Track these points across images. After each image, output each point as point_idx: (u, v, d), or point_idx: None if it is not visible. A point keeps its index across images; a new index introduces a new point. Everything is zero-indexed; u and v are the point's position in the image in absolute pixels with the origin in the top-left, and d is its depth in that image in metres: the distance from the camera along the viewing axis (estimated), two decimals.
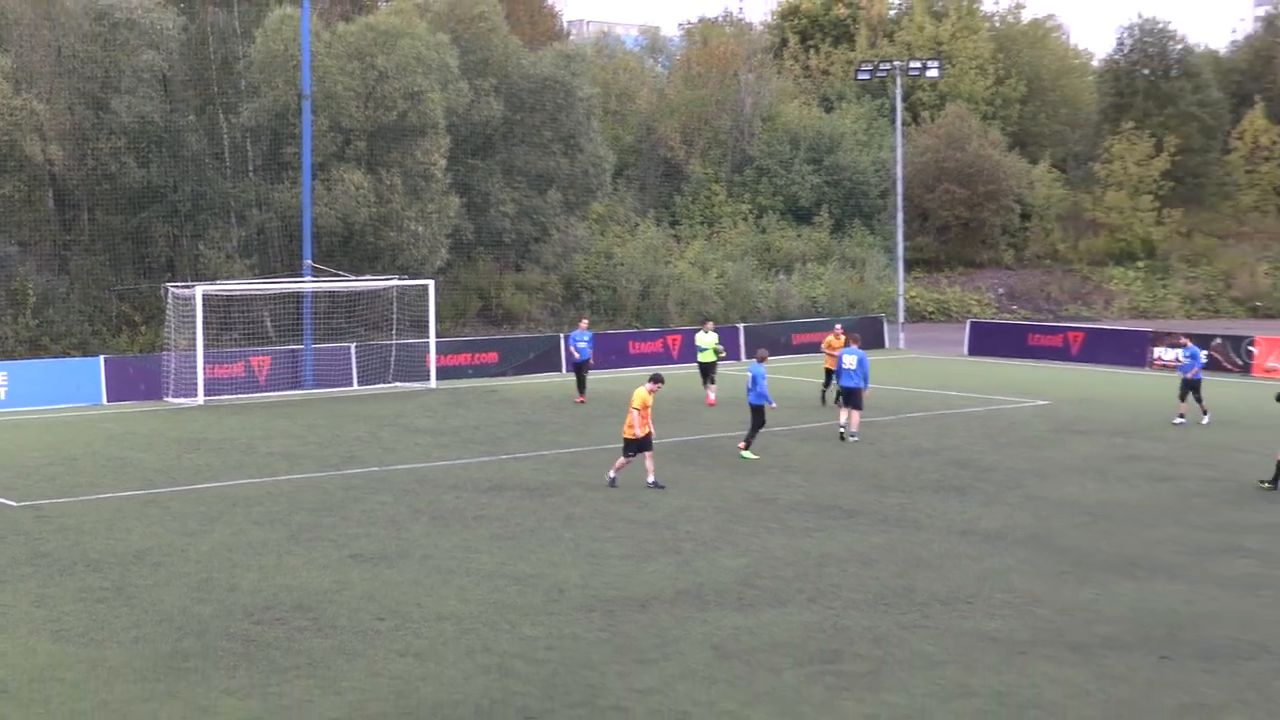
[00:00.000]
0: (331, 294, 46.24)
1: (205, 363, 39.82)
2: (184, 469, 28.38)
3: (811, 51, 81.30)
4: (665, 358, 48.79)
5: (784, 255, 65.92)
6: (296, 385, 42.08)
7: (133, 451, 30.74)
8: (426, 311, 44.29)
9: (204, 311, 40.20)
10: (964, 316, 64.83)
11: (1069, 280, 70.87)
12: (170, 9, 49.76)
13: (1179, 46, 75.29)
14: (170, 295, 41.62)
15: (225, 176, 50.84)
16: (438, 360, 43.79)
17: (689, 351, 49.17)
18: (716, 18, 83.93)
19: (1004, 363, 49.80)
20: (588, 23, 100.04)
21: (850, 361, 31.68)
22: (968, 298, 68.85)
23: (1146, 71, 74.80)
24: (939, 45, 77.08)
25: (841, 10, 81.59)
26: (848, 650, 16.09)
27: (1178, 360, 35.96)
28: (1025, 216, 72.83)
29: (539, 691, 14.68)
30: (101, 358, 40.62)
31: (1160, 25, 75.14)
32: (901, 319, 57.66)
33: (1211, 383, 42.24)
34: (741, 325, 53.27)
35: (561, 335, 48.29)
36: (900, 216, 59.14)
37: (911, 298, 65.91)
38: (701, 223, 68.78)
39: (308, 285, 43.72)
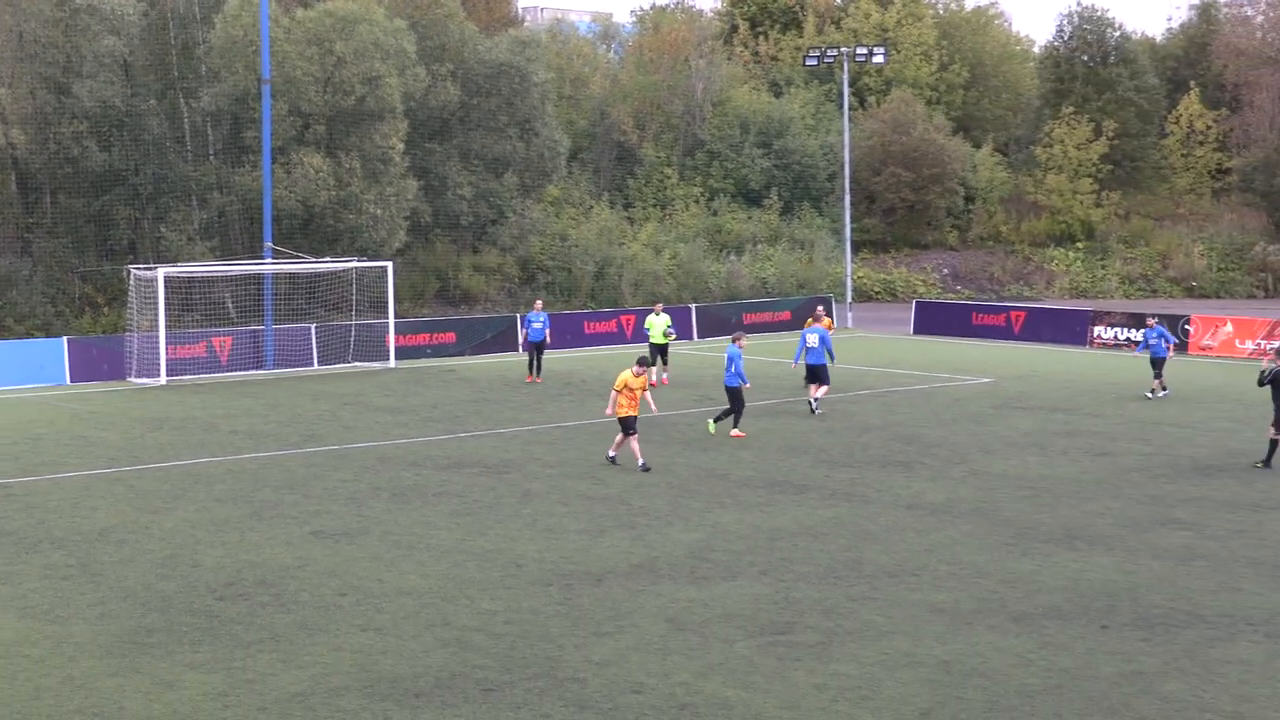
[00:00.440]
0: (292, 276, 46.37)
1: (167, 343, 39.91)
2: (147, 448, 28.51)
3: (761, 38, 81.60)
4: (619, 337, 49.22)
5: (735, 237, 66.30)
6: (258, 365, 42.23)
7: (96, 431, 30.84)
8: (385, 292, 44.49)
9: (166, 293, 40.25)
10: (910, 296, 65.43)
11: (1011, 261, 71.51)
12: None
13: (1116, 34, 75.80)
14: (132, 277, 41.68)
15: (186, 160, 50.81)
16: (397, 340, 44.01)
17: (642, 331, 49.75)
18: (668, 4, 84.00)
19: (949, 341, 50.29)
20: (542, 9, 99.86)
21: (813, 339, 32.67)
22: (913, 278, 69.41)
23: (1085, 58, 75.32)
24: (884, 32, 77.53)
25: None
26: (798, 622, 16.32)
27: (1146, 339, 36.41)
28: (969, 199, 73.43)
29: (498, 664, 14.85)
30: (65, 339, 40.63)
31: (1098, 13, 75.60)
32: (849, 299, 58.17)
33: (1149, 361, 43.06)
34: (693, 305, 53.67)
35: (518, 316, 48.59)
36: (848, 199, 59.63)
37: (859, 278, 66.48)
38: (654, 205, 69.05)
39: (268, 267, 43.83)
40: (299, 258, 45.14)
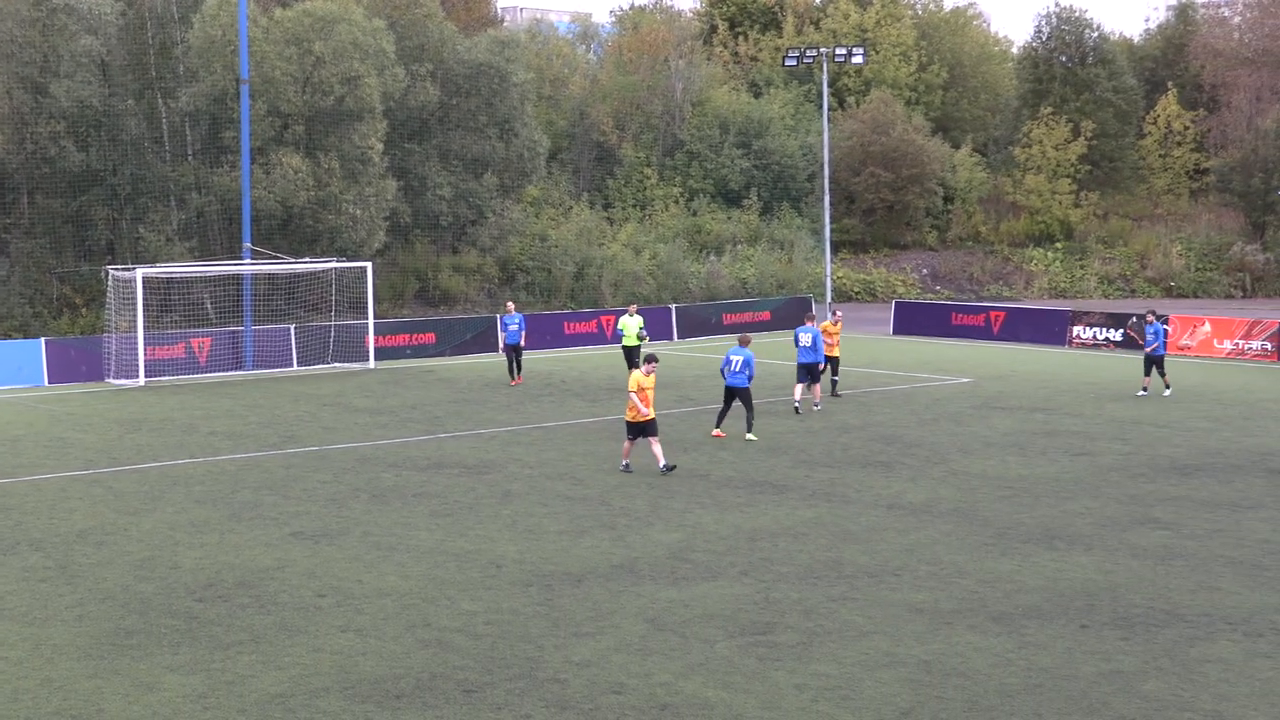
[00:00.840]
0: (271, 276, 46.33)
1: (146, 344, 39.84)
2: (126, 449, 28.45)
3: (740, 38, 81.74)
4: (599, 338, 49.24)
5: (714, 237, 66.40)
6: (237, 366, 42.17)
7: (75, 432, 30.77)
8: (365, 293, 44.47)
9: (144, 294, 40.20)
10: (889, 297, 65.62)
11: (990, 261, 71.73)
12: None
13: (1095, 34, 76.08)
14: (111, 278, 41.60)
15: (164, 160, 50.71)
16: (376, 341, 43.99)
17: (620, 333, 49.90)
18: (647, 5, 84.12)
19: (928, 341, 50.42)
20: (521, 9, 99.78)
21: (806, 339, 32.97)
22: (893, 278, 69.57)
23: (1064, 59, 75.60)
24: (864, 33, 77.75)
25: None
26: (779, 622, 16.32)
27: (1143, 336, 36.58)
28: (948, 199, 73.64)
29: (478, 665, 14.83)
30: (43, 340, 40.56)
31: (1077, 14, 75.88)
32: (829, 299, 58.28)
33: (1127, 360, 43.31)
34: (674, 306, 53.71)
35: (498, 316, 48.60)
36: (827, 199, 59.76)
37: (838, 278, 66.64)
38: (634, 205, 69.11)
39: (247, 268, 43.76)
40: (278, 258, 45.07)
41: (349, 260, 46.51)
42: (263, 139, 48.43)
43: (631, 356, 37.90)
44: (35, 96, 47.76)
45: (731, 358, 28.83)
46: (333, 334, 43.89)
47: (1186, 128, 76.84)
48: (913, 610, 16.85)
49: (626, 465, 25.69)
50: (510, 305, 40.92)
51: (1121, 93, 75.13)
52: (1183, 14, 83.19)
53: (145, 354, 39.62)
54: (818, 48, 61.74)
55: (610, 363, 42.97)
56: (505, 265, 59.27)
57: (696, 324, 52.60)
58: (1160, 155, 77.48)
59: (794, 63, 61.42)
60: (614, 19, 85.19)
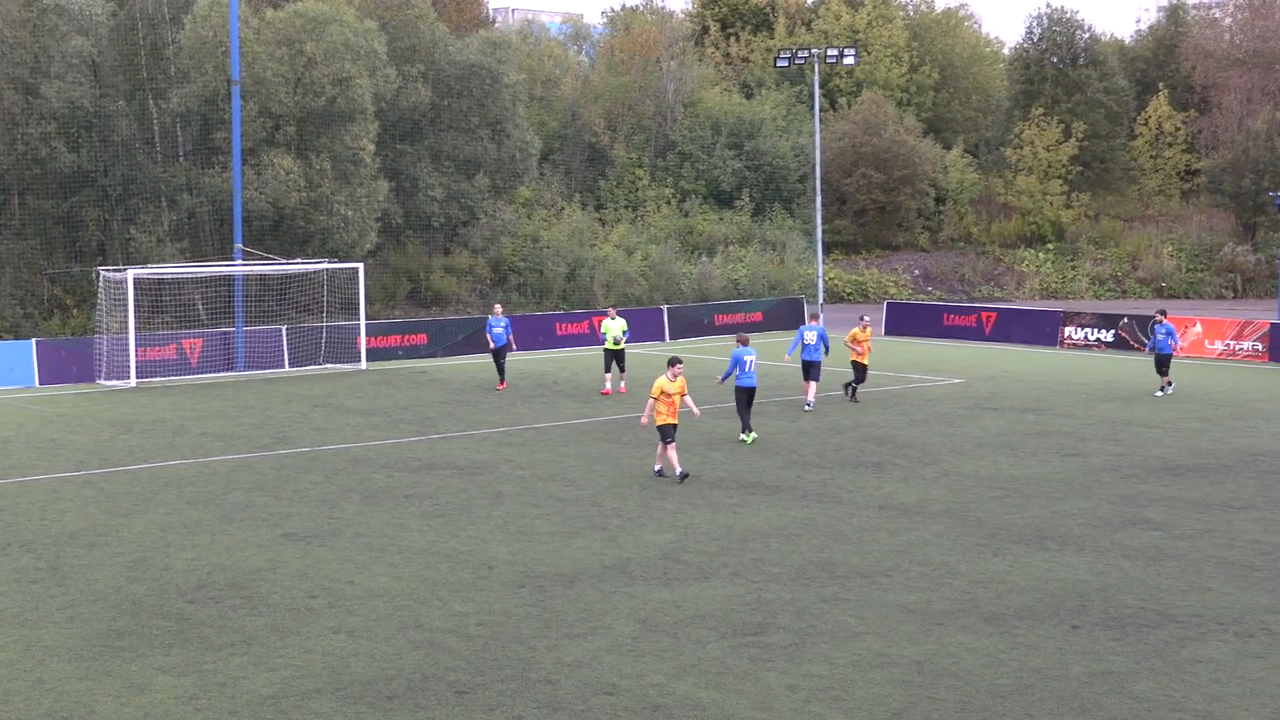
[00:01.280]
0: (262, 277, 46.31)
1: (137, 345, 39.80)
2: (117, 450, 28.43)
3: (732, 39, 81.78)
4: (591, 339, 49.16)
5: (706, 238, 66.43)
6: (228, 367, 42.13)
7: (66, 433, 30.74)
8: (356, 294, 44.43)
9: (135, 295, 40.16)
10: (881, 297, 65.69)
11: (982, 262, 71.80)
12: None
13: (1086, 35, 76.15)
14: (102, 279, 41.54)
15: (156, 161, 50.66)
16: (368, 342, 43.97)
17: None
18: (638, 6, 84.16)
19: (920, 342, 50.45)
20: (513, 10, 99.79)
21: (811, 337, 33.35)
22: (885, 279, 69.63)
23: (1055, 60, 75.66)
24: (855, 34, 77.81)
25: None
26: (771, 623, 16.36)
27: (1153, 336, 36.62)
28: (939, 200, 73.72)
29: (470, 666, 14.86)
30: (33, 341, 40.49)
31: (1068, 15, 75.94)
32: (821, 300, 58.26)
33: (1119, 361, 43.43)
34: (665, 307, 53.72)
35: (490, 318, 48.58)
36: (819, 200, 59.73)
37: (830, 279, 66.67)
38: (626, 206, 69.13)
39: (239, 269, 43.73)
40: (270, 259, 45.04)
41: (341, 261, 46.49)
42: (254, 140, 48.40)
43: (610, 360, 37.22)
44: (26, 97, 47.70)
45: (745, 358, 28.75)
46: (324, 335, 43.86)
47: (1178, 129, 76.96)
48: (905, 611, 16.88)
49: (659, 470, 25.21)
50: (497, 308, 40.35)
51: (1113, 94, 75.25)
52: (1174, 15, 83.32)
53: (136, 355, 39.58)
54: (809, 49, 61.72)
55: (600, 363, 42.93)
56: (497, 266, 59.28)
57: (689, 325, 52.62)
58: (1151, 156, 77.60)
59: (785, 64, 61.36)
60: (605, 20, 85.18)
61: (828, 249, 67.36)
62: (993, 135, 78.36)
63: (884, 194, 70.44)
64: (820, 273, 59.40)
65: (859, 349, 34.64)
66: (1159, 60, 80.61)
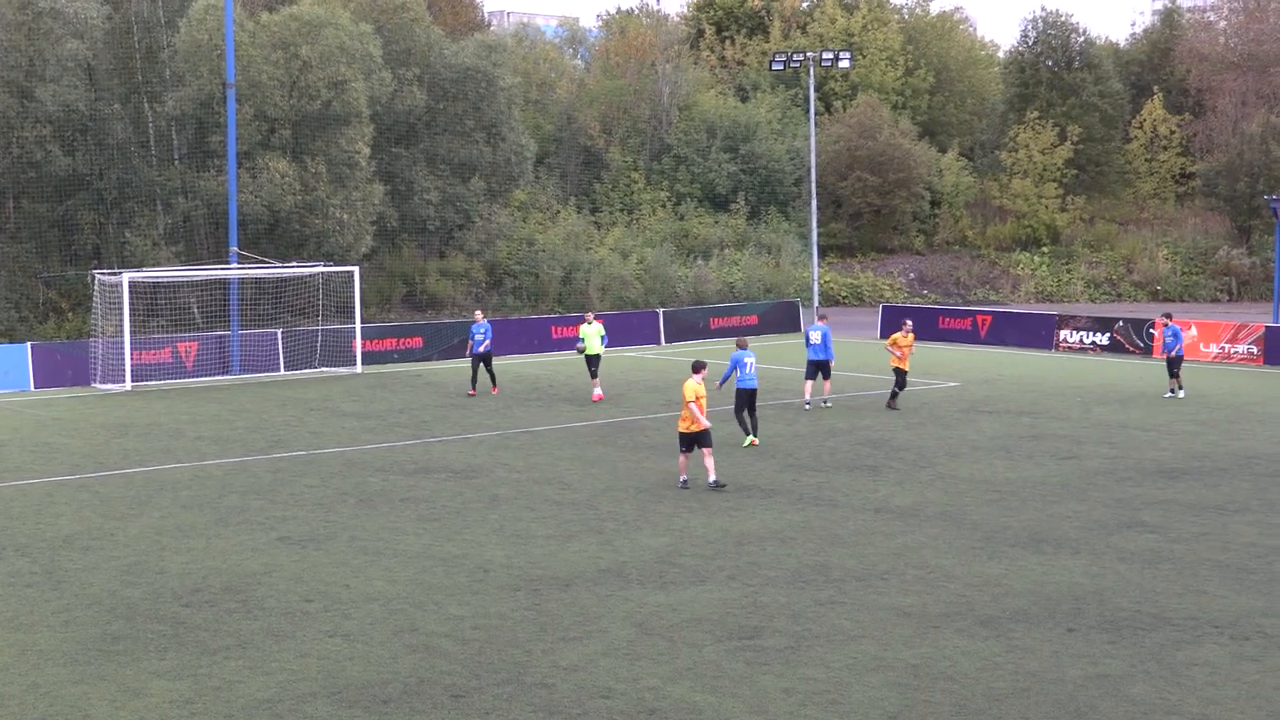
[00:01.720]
0: (258, 280, 46.27)
1: (132, 349, 39.78)
2: (112, 454, 28.41)
3: (727, 42, 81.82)
4: (603, 339, 49.15)
5: (702, 241, 66.43)
6: (224, 370, 42.13)
7: (61, 437, 30.71)
8: (352, 297, 44.45)
9: (131, 298, 40.14)
10: (876, 301, 65.70)
11: (977, 265, 71.83)
12: None
13: (1081, 39, 76.23)
14: (97, 282, 41.55)
15: (151, 165, 50.62)
16: (363, 345, 43.98)
17: (610, 336, 49.68)
18: (633, 9, 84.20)
19: (916, 345, 50.35)
20: (508, 14, 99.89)
21: (816, 337, 34.04)
22: (880, 282, 69.65)
23: (1050, 63, 75.75)
24: (850, 37, 77.86)
25: (756, 2, 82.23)
26: (767, 626, 16.36)
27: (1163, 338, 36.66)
28: (935, 204, 73.78)
29: (466, 670, 14.86)
30: (29, 344, 40.45)
31: (1062, 18, 76.00)
32: (816, 303, 58.31)
33: (1114, 364, 43.48)
34: (661, 310, 53.74)
35: (472, 324, 48.58)
36: (814, 204, 59.82)
37: (826, 282, 66.71)
38: (621, 210, 69.12)
39: (234, 272, 43.73)
40: (265, 263, 45.03)
41: (336, 264, 46.47)
42: (249, 143, 48.37)
43: (591, 364, 36.35)
44: (21, 101, 47.65)
45: (745, 360, 28.75)
46: (320, 338, 43.87)
47: (1172, 132, 77.06)
48: (900, 614, 16.88)
49: (685, 482, 24.56)
50: (479, 314, 39.53)
51: (1107, 97, 75.33)
52: (1168, 19, 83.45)
53: (132, 358, 39.55)
54: (804, 52, 61.86)
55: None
56: (493, 269, 59.27)
57: (684, 328, 52.64)
58: (1146, 159, 77.69)
59: (781, 67, 61.49)
60: (601, 23, 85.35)
61: (823, 252, 67.41)
62: (988, 138, 78.45)
63: (879, 197, 70.48)
64: (815, 276, 59.48)
65: (899, 353, 34.12)
66: (1154, 63, 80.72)
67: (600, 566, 19.12)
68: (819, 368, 34.22)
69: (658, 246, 63.44)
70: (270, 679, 14.61)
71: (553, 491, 24.30)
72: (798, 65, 60.89)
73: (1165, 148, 77.33)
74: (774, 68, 62.18)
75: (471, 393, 37.20)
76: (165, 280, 44.16)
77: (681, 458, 24.63)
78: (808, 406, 33.76)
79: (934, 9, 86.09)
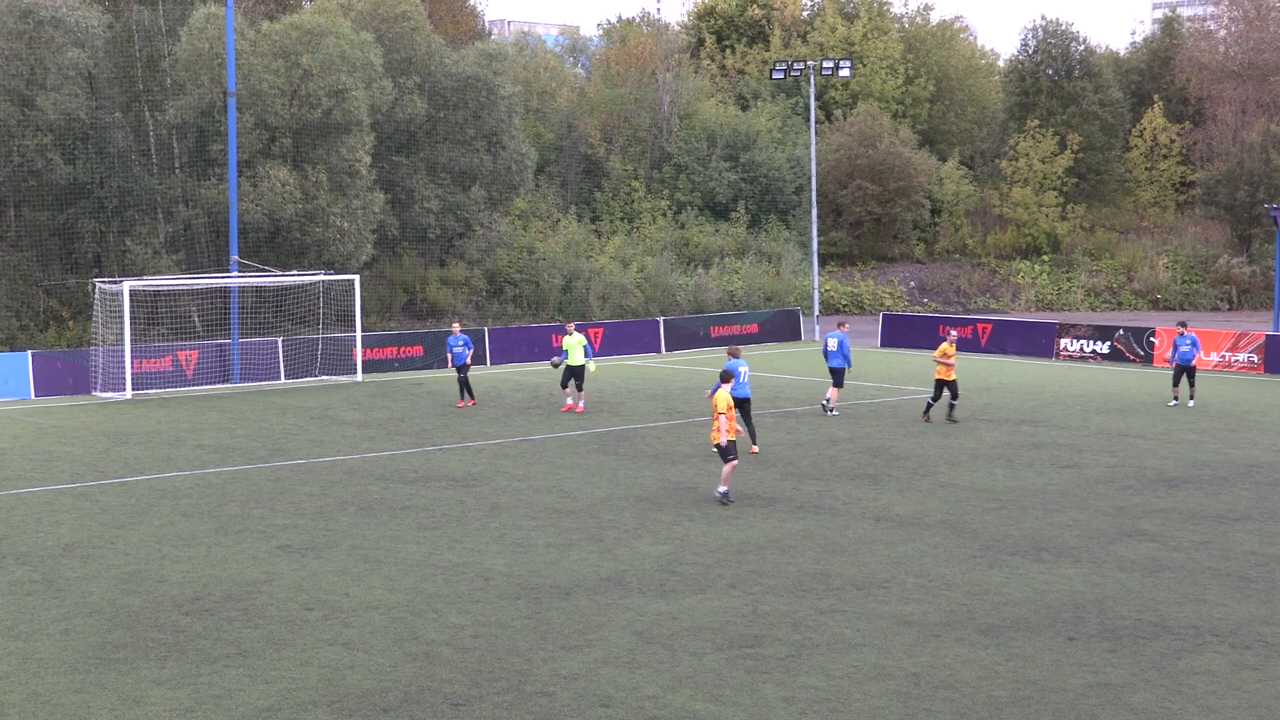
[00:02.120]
0: (258, 289, 46.32)
1: (133, 357, 39.80)
2: (112, 462, 28.42)
3: (727, 51, 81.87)
4: (588, 351, 49.14)
5: (702, 250, 66.47)
6: (224, 379, 42.15)
7: (61, 445, 30.71)
8: (352, 306, 44.47)
9: (131, 307, 40.17)
10: (877, 309, 65.75)
11: (977, 274, 71.86)
12: (95, 7, 49.63)
13: (1081, 47, 76.25)
14: (98, 291, 41.59)
15: (152, 173, 50.66)
16: (364, 354, 44.00)
17: (611, 344, 49.93)
18: (634, 18, 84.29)
19: (916, 354, 50.42)
20: (509, 22, 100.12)
21: (833, 344, 34.56)
22: (880, 291, 69.67)
23: (1050, 72, 75.80)
24: (850, 46, 77.92)
25: (756, 11, 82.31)
26: (767, 635, 16.36)
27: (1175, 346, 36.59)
28: (935, 212, 73.82)
29: (466, 678, 14.85)
30: (29, 353, 40.46)
31: (1063, 27, 76.04)
32: (817, 312, 58.35)
33: (1114, 372, 43.46)
34: (661, 319, 53.75)
35: (486, 329, 48.68)
36: (815, 212, 59.82)
37: (826, 291, 66.73)
38: (621, 218, 69.17)
39: (235, 280, 43.73)
40: (265, 271, 45.04)
41: (336, 273, 46.49)
42: (250, 152, 48.42)
43: (573, 375, 35.38)
44: (22, 109, 47.73)
45: (740, 369, 28.69)
46: (320, 347, 43.87)
47: (1172, 141, 77.13)
48: (901, 622, 16.88)
49: (726, 493, 24.12)
50: (456, 326, 38.90)
51: (1108, 106, 75.39)
52: (1168, 27, 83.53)
53: (132, 367, 39.57)
54: (805, 61, 61.89)
55: (597, 375, 42.98)
56: (493, 278, 59.31)
57: (684, 337, 52.65)
58: (1146, 168, 77.74)
59: (781, 76, 61.52)
60: (601, 32, 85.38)
61: (823, 261, 67.46)
62: (988, 147, 78.48)
63: (879, 206, 70.50)
64: (816, 284, 59.48)
65: (946, 363, 33.46)
66: (1154, 72, 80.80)
67: (601, 575, 19.11)
68: (832, 374, 34.77)
69: (658, 255, 63.47)
70: (270, 687, 14.60)
71: (553, 500, 24.29)
72: (798, 74, 60.92)
73: (1165, 156, 77.40)
74: (774, 76, 62.20)
75: (461, 403, 36.89)
76: (166, 288, 44.23)
77: (727, 469, 23.91)
78: (830, 411, 34.42)
79: (934, 18, 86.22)
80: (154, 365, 40.93)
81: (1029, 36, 76.55)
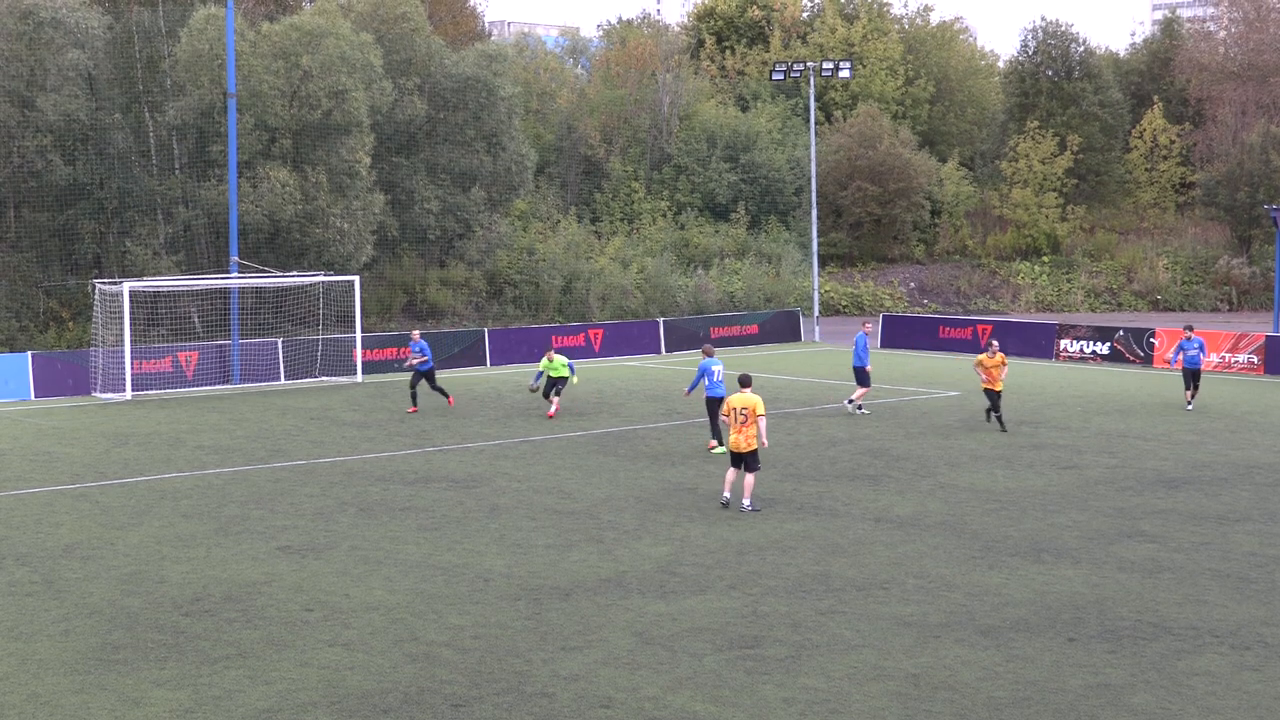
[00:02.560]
0: (258, 290, 46.32)
1: (133, 358, 39.78)
2: (112, 463, 28.41)
3: (727, 52, 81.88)
4: (588, 351, 49.24)
5: (702, 251, 66.47)
6: (224, 380, 42.13)
7: (61, 446, 30.70)
8: (352, 307, 44.47)
9: (131, 307, 40.14)
10: (877, 310, 65.72)
11: (978, 275, 71.86)
12: (95, 8, 49.55)
13: (1081, 48, 76.27)
14: (97, 291, 41.57)
15: (152, 174, 50.66)
16: (364, 354, 43.98)
17: (611, 345, 49.98)
18: (634, 19, 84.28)
19: (916, 355, 50.48)
20: (509, 23, 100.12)
21: (860, 344, 35.49)
22: (880, 292, 69.66)
23: (1050, 72, 75.80)
24: (850, 47, 77.91)
25: (756, 12, 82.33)
26: (767, 636, 16.38)
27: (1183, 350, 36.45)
28: (935, 213, 73.81)
29: (466, 679, 14.87)
30: (29, 354, 40.43)
31: (1062, 28, 76.05)
32: (816, 313, 58.33)
33: (1114, 373, 43.48)
34: (661, 320, 53.74)
35: (486, 330, 48.67)
36: (814, 213, 59.81)
37: (826, 292, 66.73)
38: (621, 219, 69.16)
39: (234, 281, 43.72)
40: (265, 272, 45.03)
41: (336, 274, 46.48)
42: (250, 153, 48.42)
43: (554, 385, 34.78)
44: (22, 110, 47.73)
45: (712, 368, 28.92)
46: (320, 348, 43.86)
47: (1172, 142, 77.13)
48: (900, 623, 16.89)
49: (727, 501, 23.76)
50: (415, 333, 38.12)
51: (1108, 107, 75.39)
52: (1168, 28, 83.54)
53: (132, 368, 39.56)
54: (805, 62, 61.90)
55: (598, 376, 43.02)
56: (493, 279, 59.31)
57: (684, 338, 52.63)
58: (1146, 169, 77.75)
59: (781, 77, 61.54)
60: (601, 33, 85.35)
61: (823, 262, 67.46)
62: (988, 148, 78.50)
63: (879, 207, 70.50)
64: (816, 285, 59.47)
65: (989, 375, 32.40)
66: (1154, 73, 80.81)
67: (600, 576, 19.12)
68: (856, 374, 35.33)
69: (658, 256, 63.47)
70: (270, 688, 14.62)
71: (553, 501, 24.30)
72: (798, 75, 60.93)
73: (1165, 157, 77.41)
74: (774, 77, 62.21)
75: (412, 409, 35.69)
76: (166, 289, 44.21)
77: (749, 479, 23.50)
78: (860, 411, 34.90)
79: (934, 19, 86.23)
80: (154, 366, 40.92)
81: (1029, 37, 76.57)
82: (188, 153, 51.38)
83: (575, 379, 35.32)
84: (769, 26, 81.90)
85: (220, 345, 43.11)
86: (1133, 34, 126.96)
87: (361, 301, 45.16)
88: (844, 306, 68.11)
